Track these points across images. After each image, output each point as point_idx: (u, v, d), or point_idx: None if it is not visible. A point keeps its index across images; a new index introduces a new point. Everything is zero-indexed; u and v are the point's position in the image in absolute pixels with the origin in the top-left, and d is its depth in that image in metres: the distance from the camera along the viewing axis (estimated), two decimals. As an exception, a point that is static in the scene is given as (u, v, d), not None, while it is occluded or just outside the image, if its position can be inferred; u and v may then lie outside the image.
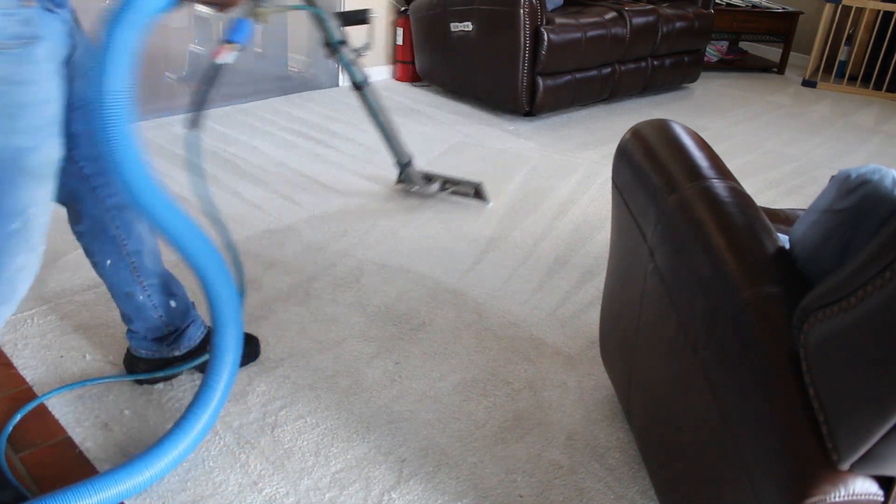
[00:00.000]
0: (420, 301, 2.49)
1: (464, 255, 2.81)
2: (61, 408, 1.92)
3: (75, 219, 1.78)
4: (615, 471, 1.86)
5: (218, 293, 1.71)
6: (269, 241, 2.81)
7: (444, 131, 4.10)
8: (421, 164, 3.63)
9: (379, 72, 4.95)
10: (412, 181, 3.24)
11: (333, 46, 2.76)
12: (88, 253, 1.84)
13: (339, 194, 3.25)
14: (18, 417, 1.86)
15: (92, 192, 1.71)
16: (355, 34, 2.90)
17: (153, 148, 3.56)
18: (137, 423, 1.89)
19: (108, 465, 1.76)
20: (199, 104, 1.89)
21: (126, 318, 1.96)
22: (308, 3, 2.69)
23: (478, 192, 3.26)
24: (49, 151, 1.44)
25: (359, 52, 2.81)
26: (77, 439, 1.83)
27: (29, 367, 2.05)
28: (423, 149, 3.81)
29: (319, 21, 2.73)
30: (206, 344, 2.05)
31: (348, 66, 2.82)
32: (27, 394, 1.95)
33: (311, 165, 3.51)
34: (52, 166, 1.46)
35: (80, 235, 1.81)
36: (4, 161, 1.35)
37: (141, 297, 1.89)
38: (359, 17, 2.88)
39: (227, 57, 1.84)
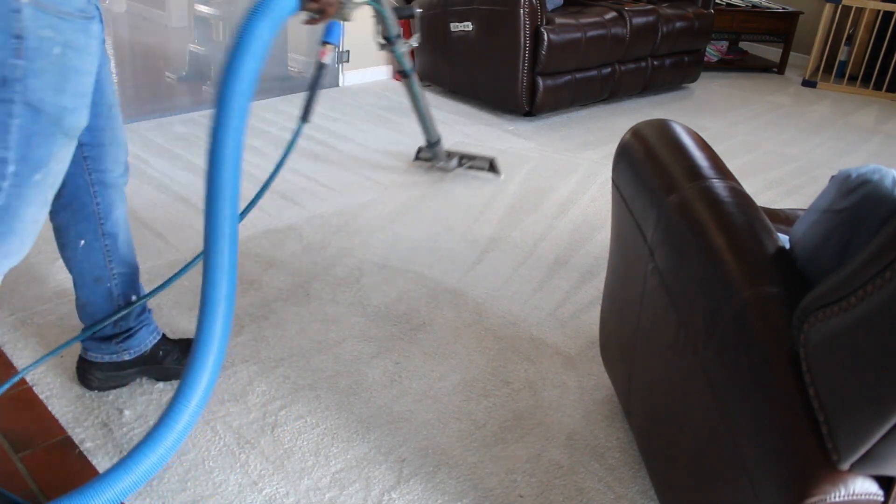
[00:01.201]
0: (420, 301, 2.49)
1: (464, 255, 2.82)
2: (61, 408, 1.92)
3: (57, 191, 1.76)
4: (615, 471, 1.86)
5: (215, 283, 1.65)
6: (269, 241, 2.81)
7: (444, 131, 4.09)
8: (423, 164, 3.64)
9: (379, 72, 4.95)
10: (438, 158, 3.52)
11: (391, 40, 2.98)
12: (62, 232, 1.82)
13: (339, 194, 3.25)
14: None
15: (81, 161, 1.73)
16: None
17: (153, 148, 3.56)
18: (137, 424, 1.89)
19: (108, 465, 1.76)
20: (310, 99, 2.13)
21: (88, 315, 1.92)
22: (376, 1, 2.89)
23: (492, 166, 3.54)
24: (82, 117, 1.52)
25: (409, 44, 3.09)
26: (77, 439, 1.83)
27: (29, 367, 2.06)
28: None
29: (381, 17, 2.93)
30: (158, 352, 2.02)
31: (400, 58, 3.06)
32: (27, 393, 1.95)
33: (311, 165, 3.51)
34: (79, 131, 1.54)
35: (56, 212, 1.79)
36: (50, 116, 1.44)
37: (108, 285, 1.87)
38: (408, 13, 3.26)
39: (328, 57, 2.14)
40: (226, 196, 1.66)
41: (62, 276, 2.47)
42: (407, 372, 2.15)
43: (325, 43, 2.13)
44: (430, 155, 3.54)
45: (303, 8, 1.71)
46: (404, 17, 3.27)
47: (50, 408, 1.92)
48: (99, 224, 1.81)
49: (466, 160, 3.57)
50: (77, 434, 1.84)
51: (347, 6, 2.21)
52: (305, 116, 2.14)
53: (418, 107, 3.29)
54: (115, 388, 1.99)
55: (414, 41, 3.14)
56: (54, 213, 1.80)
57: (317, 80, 2.17)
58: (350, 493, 1.74)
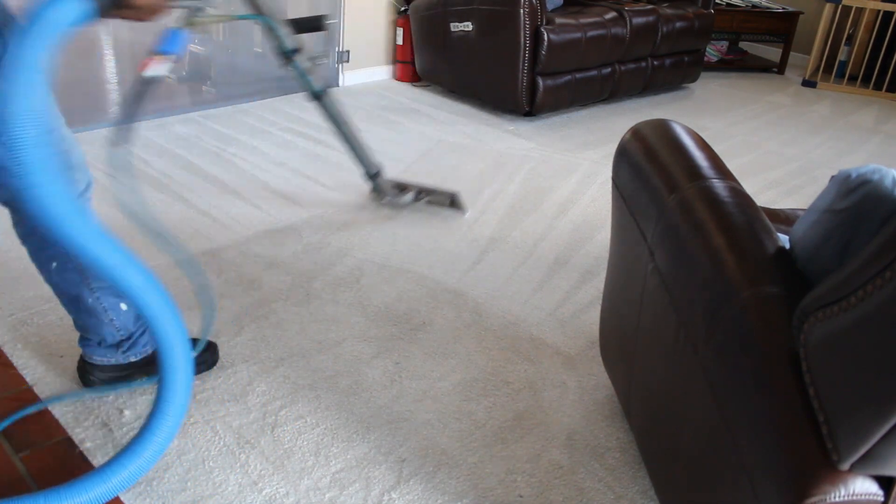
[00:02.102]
0: (420, 301, 2.49)
1: (464, 255, 2.82)
2: (61, 407, 1.92)
3: (18, 220, 1.74)
4: (615, 471, 1.86)
5: (160, 327, 1.60)
6: (270, 240, 2.81)
7: (444, 131, 4.10)
8: (423, 164, 3.64)
9: (379, 72, 4.95)
10: (383, 192, 3.12)
11: (286, 55, 2.60)
12: (34, 256, 1.80)
13: (338, 194, 3.25)
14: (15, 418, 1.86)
15: None
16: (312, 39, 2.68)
17: (153, 148, 3.56)
18: (137, 424, 1.89)
19: (108, 465, 1.76)
20: (126, 119, 1.80)
21: (80, 326, 1.92)
22: (256, 11, 2.45)
23: (454, 202, 3.15)
24: None
25: (314, 60, 2.67)
26: (77, 439, 1.83)
27: (29, 367, 2.05)
28: (423, 149, 3.81)
29: (269, 29, 2.54)
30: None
31: (303, 76, 2.66)
32: (27, 394, 1.95)
33: (310, 165, 3.51)
34: None
35: (24, 238, 1.77)
36: None
37: (90, 301, 1.84)
38: (313, 24, 2.72)
39: (157, 69, 1.74)
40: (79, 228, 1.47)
41: (62, 276, 2.47)
42: (407, 372, 2.15)
43: (156, 53, 1.73)
44: (374, 189, 3.09)
45: (104, 15, 1.44)
46: (308, 29, 2.74)
47: (50, 408, 1.92)
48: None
49: (424, 194, 3.15)
50: (77, 434, 1.84)
51: (196, 13, 1.86)
52: (121, 141, 1.79)
53: (343, 134, 2.88)
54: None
55: (319, 57, 2.72)
56: (22, 240, 1.78)
57: (137, 99, 1.77)
58: (350, 493, 1.73)
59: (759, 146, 4.30)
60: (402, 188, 3.14)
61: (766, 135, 4.51)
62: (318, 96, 2.72)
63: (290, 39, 2.57)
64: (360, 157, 2.98)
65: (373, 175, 3.04)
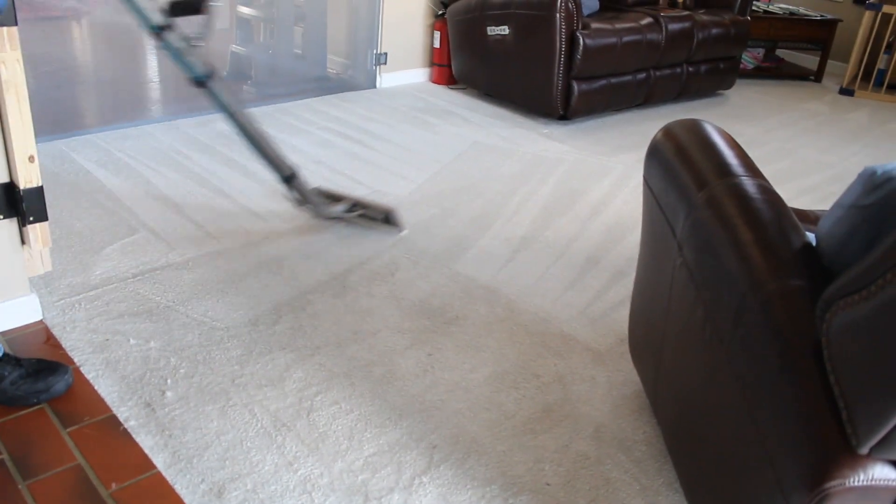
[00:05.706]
0: (453, 296, 2.54)
1: (497, 253, 2.86)
2: (107, 388, 2.00)
3: None
4: (641, 463, 1.89)
5: None
6: (307, 234, 2.88)
7: (480, 133, 4.15)
8: (458, 165, 3.69)
9: (416, 74, 5.02)
10: (307, 200, 2.86)
11: (153, 32, 2.34)
12: None
13: (374, 192, 3.31)
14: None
15: None
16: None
17: (196, 144, 3.65)
18: (179, 405, 1.96)
19: (150, 442, 1.83)
20: None
21: None
22: None
23: (388, 219, 2.99)
24: None
25: (189, 41, 2.41)
26: (121, 417, 1.90)
27: (77, 348, 2.14)
28: (458, 150, 3.86)
29: (126, 2, 2.30)
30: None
31: (178, 57, 2.40)
32: (74, 373, 2.03)
33: (348, 164, 3.58)
34: None
35: None
36: None
37: None
38: (191, 7, 2.37)
39: None
40: None
41: (108, 265, 2.56)
42: (439, 363, 2.20)
43: None
44: (297, 197, 2.86)
45: None
46: (185, 11, 2.39)
47: (96, 387, 1.99)
48: None
49: (358, 207, 2.98)
50: (121, 413, 1.92)
51: None
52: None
53: (241, 127, 2.60)
54: None
55: (197, 38, 2.43)
56: None
57: None
58: (382, 476, 1.79)
59: (795, 153, 4.30)
60: (334, 198, 2.98)
61: (802, 142, 4.51)
62: (199, 82, 2.45)
63: (155, 15, 2.33)
64: (267, 158, 2.71)
65: (287, 178, 2.77)
